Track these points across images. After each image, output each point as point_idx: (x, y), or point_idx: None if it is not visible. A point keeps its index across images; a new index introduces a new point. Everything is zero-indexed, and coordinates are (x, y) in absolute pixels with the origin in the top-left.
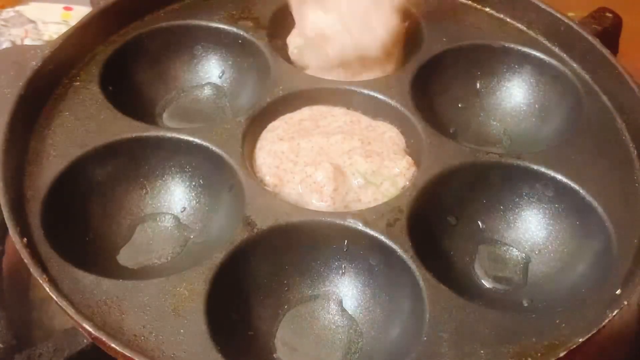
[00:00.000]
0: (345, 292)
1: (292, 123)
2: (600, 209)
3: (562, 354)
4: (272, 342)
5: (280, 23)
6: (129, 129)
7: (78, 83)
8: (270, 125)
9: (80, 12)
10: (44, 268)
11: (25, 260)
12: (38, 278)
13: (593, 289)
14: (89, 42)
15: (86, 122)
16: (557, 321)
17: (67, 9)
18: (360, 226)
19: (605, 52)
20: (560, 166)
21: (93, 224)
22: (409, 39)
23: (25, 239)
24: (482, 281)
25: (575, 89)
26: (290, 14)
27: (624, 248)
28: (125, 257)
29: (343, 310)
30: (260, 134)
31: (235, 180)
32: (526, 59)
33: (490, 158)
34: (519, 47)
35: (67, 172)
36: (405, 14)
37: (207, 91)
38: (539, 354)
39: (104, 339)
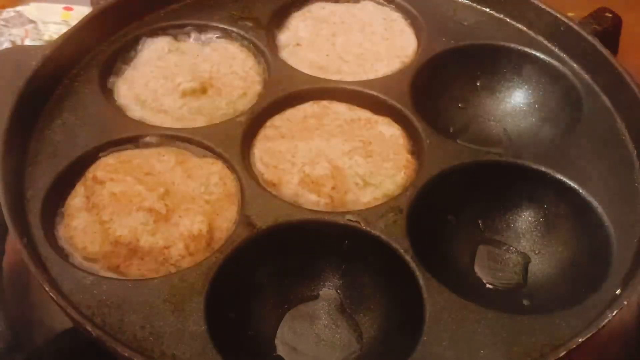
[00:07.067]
0: (345, 292)
1: (294, 121)
2: (600, 209)
3: (562, 354)
4: (272, 342)
5: (280, 23)
6: (129, 128)
7: (78, 83)
8: (271, 123)
9: (80, 12)
10: (44, 268)
11: (25, 260)
12: (38, 278)
13: (593, 289)
14: (89, 42)
15: (86, 122)
16: (557, 321)
17: (67, 9)
18: (360, 226)
19: (605, 52)
20: (560, 166)
21: None
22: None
23: (25, 239)
24: (482, 281)
25: (575, 89)
26: (290, 14)
27: (623, 248)
28: None
29: (343, 310)
30: (261, 133)
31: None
32: (526, 59)
33: (490, 158)
34: (519, 47)
35: (67, 172)
36: (407, 14)
37: None
38: (539, 354)
39: (104, 339)
